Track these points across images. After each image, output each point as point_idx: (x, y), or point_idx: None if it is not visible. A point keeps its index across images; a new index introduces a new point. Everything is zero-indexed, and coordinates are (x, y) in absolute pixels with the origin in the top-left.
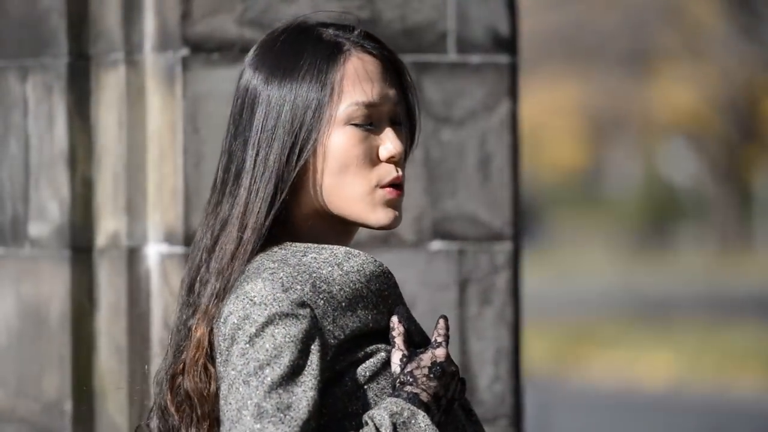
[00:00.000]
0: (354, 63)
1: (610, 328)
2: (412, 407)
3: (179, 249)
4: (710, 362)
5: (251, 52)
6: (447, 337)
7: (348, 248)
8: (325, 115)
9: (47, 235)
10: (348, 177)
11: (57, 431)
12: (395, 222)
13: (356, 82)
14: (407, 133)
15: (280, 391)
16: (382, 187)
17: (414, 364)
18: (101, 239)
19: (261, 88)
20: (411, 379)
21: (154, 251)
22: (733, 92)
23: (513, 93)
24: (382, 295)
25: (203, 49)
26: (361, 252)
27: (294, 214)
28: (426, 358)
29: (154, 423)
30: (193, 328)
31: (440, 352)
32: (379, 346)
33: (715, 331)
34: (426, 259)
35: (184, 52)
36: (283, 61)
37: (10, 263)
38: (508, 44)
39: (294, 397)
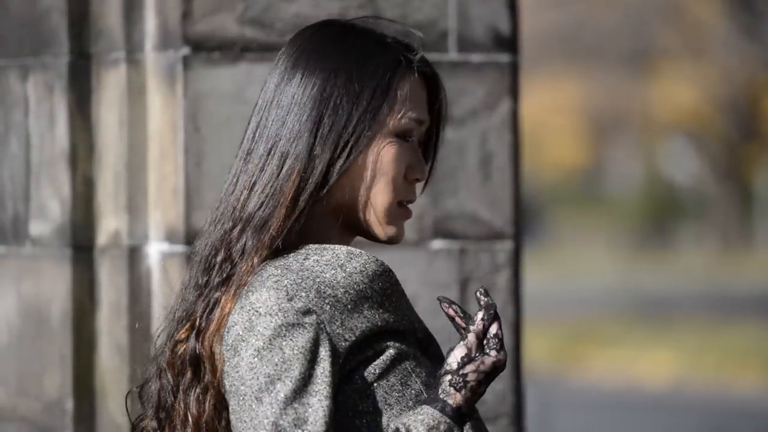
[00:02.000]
0: (415, 80)
1: (611, 327)
2: (449, 421)
3: (180, 248)
4: (711, 361)
5: (300, 44)
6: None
7: (349, 248)
8: (382, 121)
9: (48, 234)
10: (378, 186)
11: (58, 430)
12: (401, 238)
13: (413, 98)
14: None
15: (296, 405)
16: (400, 204)
17: (472, 366)
18: (102, 238)
19: (323, 80)
20: (461, 383)
21: (155, 250)
22: (734, 91)
23: (514, 92)
24: (385, 293)
25: (204, 48)
26: (362, 252)
27: (312, 208)
28: (488, 362)
29: (155, 386)
30: (222, 300)
31: (503, 357)
32: (388, 343)
33: (715, 330)
34: (427, 258)
35: (185, 51)
36: (350, 61)
37: (11, 262)
38: (509, 43)
39: (310, 409)
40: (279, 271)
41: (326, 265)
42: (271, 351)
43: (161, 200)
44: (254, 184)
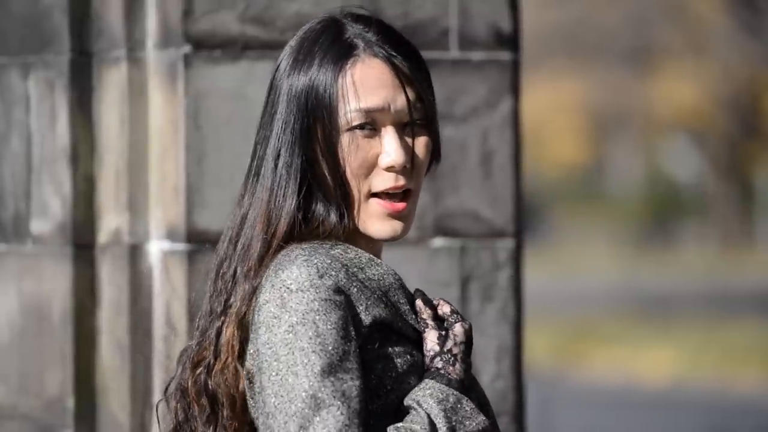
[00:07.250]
0: (360, 68)
1: (612, 325)
2: (456, 393)
3: (181, 246)
4: (711, 359)
5: (288, 44)
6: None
7: (371, 255)
8: (331, 119)
9: (49, 231)
10: (345, 184)
11: (59, 428)
12: (395, 235)
13: (358, 87)
14: (431, 135)
15: (332, 378)
16: (376, 195)
17: (451, 342)
18: (103, 236)
19: (284, 84)
20: (451, 358)
21: (155, 248)
22: (735, 89)
23: (515, 90)
24: (396, 305)
25: (205, 46)
26: (382, 262)
27: (320, 220)
28: (460, 332)
29: (177, 404)
30: (224, 329)
31: (468, 325)
32: (407, 348)
33: (716, 327)
34: (428, 256)
35: (186, 49)
36: (301, 60)
37: (13, 260)
38: (510, 41)
39: (344, 385)
40: (307, 252)
41: (350, 260)
42: (304, 326)
43: (162, 198)
44: (242, 203)
